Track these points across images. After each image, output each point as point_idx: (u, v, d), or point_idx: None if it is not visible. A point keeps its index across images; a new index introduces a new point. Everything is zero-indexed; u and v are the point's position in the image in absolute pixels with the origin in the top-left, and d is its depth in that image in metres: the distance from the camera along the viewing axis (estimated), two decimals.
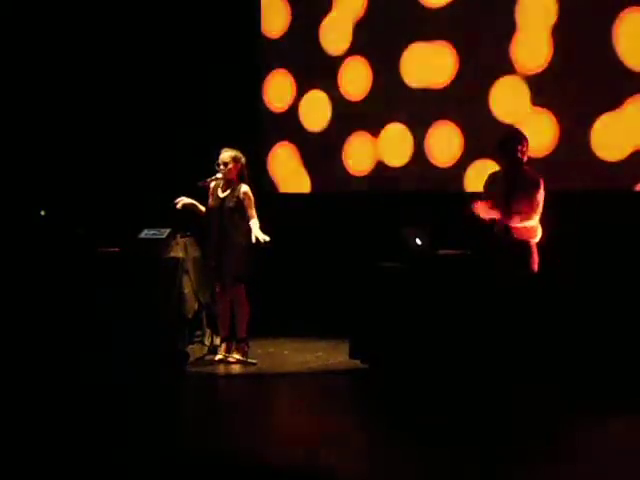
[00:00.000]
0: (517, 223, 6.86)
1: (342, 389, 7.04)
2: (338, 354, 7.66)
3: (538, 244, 6.99)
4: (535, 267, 6.97)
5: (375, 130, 9.30)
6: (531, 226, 6.94)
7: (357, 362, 7.24)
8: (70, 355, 7.24)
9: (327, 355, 7.88)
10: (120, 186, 9.69)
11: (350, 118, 9.41)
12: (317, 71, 9.59)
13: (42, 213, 8.45)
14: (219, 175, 7.53)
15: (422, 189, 9.04)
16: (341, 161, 9.48)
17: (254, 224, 7.44)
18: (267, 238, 7.32)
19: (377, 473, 4.83)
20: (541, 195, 6.93)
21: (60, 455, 5.07)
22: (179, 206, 7.55)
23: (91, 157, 9.80)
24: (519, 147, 6.98)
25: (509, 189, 6.91)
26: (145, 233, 7.65)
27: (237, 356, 7.57)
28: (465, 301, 6.66)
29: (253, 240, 7.33)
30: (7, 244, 8.06)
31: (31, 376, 6.91)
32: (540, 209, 6.92)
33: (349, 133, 9.43)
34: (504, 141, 7.08)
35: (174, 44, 9.81)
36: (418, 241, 6.98)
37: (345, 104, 9.44)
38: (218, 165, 7.54)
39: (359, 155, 9.40)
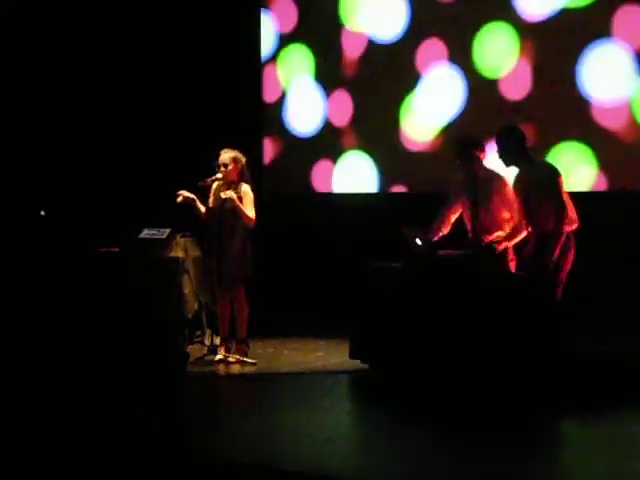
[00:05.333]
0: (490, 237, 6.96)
1: (342, 389, 7.04)
2: (338, 354, 7.66)
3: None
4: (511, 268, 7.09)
5: None
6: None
7: (357, 362, 7.24)
8: (70, 355, 7.23)
9: (327, 355, 7.89)
10: (120, 186, 9.70)
11: None
12: None
13: (42, 213, 8.45)
14: (219, 175, 7.53)
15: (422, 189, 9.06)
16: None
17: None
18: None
19: (377, 473, 4.83)
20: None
21: (60, 455, 5.08)
22: (179, 199, 7.51)
23: (91, 157, 9.81)
24: (474, 150, 7.05)
25: (474, 193, 7.03)
26: (145, 233, 7.65)
27: (237, 356, 7.58)
28: (465, 301, 6.65)
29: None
30: (7, 244, 8.06)
31: (31, 376, 6.91)
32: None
33: None
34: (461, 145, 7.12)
35: (174, 43, 9.82)
36: (418, 241, 6.97)
37: None
38: (218, 167, 7.54)
39: None
